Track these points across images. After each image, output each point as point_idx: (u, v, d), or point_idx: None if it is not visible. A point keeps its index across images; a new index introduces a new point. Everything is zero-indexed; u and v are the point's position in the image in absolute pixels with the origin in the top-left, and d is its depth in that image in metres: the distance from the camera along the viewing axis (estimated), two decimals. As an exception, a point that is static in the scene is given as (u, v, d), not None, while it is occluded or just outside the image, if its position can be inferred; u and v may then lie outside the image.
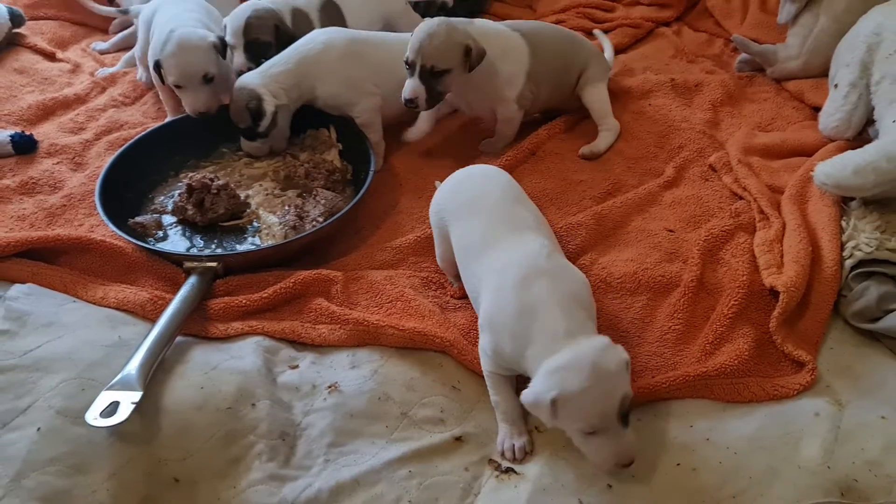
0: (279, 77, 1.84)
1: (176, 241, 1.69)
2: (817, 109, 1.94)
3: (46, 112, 2.13)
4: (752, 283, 1.47)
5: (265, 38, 1.98)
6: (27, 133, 1.96)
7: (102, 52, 2.49)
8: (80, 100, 2.20)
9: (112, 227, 1.60)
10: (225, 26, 2.01)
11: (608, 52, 2.20)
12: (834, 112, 1.82)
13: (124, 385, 1.25)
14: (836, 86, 1.83)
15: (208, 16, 2.08)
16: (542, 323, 1.18)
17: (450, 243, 1.46)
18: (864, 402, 1.29)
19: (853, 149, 1.58)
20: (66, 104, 2.18)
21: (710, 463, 1.20)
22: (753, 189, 1.69)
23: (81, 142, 2.01)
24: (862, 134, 1.79)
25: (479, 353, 1.31)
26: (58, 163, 1.92)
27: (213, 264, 1.55)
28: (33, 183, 1.85)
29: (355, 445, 1.25)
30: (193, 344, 1.41)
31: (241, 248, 1.68)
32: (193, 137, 1.92)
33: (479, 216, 1.40)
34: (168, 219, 1.75)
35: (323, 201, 1.69)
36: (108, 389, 1.24)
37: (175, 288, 1.50)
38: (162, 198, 1.82)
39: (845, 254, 1.49)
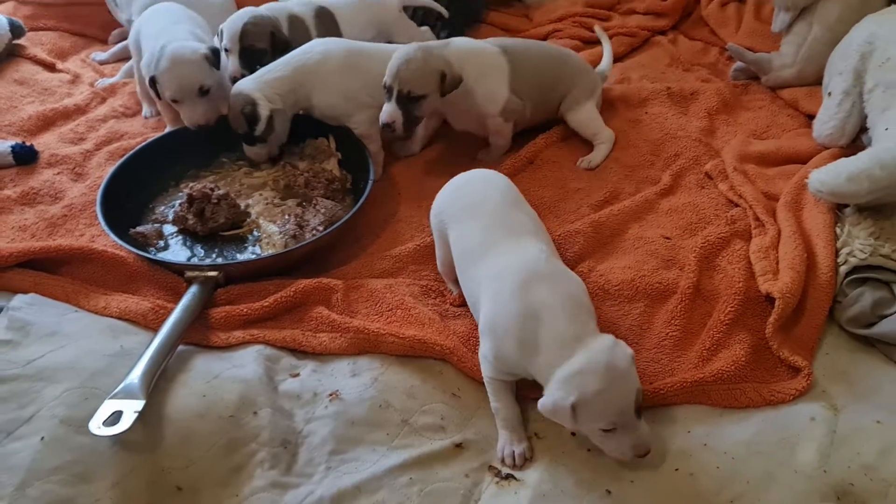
0: (274, 83, 1.84)
1: (177, 251, 1.70)
2: (811, 117, 1.96)
3: (47, 122, 2.14)
4: (748, 290, 1.48)
5: (260, 45, 1.98)
6: (28, 143, 1.97)
7: (102, 63, 2.50)
8: (80, 110, 2.21)
9: (113, 237, 1.61)
10: (221, 31, 2.01)
11: (607, 53, 2.19)
12: (828, 120, 1.84)
13: (127, 394, 1.26)
14: (829, 94, 1.85)
15: (194, 23, 2.06)
16: (549, 328, 1.19)
17: (449, 247, 1.46)
18: (859, 406, 1.30)
19: (847, 156, 1.60)
20: (67, 115, 2.18)
21: (707, 468, 1.21)
22: (749, 196, 1.71)
23: (82, 152, 2.01)
24: (856, 141, 1.81)
25: (479, 359, 1.32)
26: (58, 173, 1.93)
27: (214, 273, 1.56)
28: (34, 193, 1.85)
29: (356, 453, 1.26)
30: (195, 353, 1.42)
31: (241, 257, 1.68)
32: (193, 147, 1.93)
33: (479, 220, 1.41)
34: (169, 228, 1.76)
35: (323, 210, 1.70)
36: (111, 398, 1.25)
37: (176, 297, 1.51)
38: (163, 208, 1.83)
39: (840, 260, 1.50)
